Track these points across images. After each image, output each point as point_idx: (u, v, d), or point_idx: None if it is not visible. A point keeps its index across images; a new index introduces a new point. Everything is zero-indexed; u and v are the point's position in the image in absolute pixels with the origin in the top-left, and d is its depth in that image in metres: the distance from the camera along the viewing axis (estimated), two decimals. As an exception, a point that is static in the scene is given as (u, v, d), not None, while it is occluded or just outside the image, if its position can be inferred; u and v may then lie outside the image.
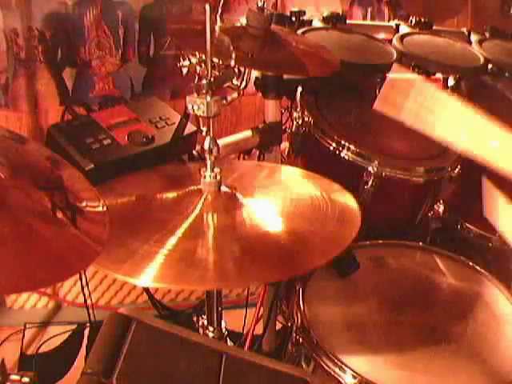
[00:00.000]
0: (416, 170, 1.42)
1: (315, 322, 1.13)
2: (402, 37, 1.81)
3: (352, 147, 1.38)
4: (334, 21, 1.85)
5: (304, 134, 1.48)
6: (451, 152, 1.50)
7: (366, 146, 1.41)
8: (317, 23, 1.85)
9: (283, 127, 1.61)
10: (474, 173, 1.57)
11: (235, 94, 1.11)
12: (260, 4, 1.36)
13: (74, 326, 2.13)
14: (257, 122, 1.57)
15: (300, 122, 1.48)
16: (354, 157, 1.39)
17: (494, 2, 2.44)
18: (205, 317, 1.22)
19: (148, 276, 0.87)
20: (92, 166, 1.16)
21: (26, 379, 0.79)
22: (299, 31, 1.73)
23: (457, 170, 1.46)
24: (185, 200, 1.06)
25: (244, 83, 1.16)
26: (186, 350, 0.83)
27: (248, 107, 2.30)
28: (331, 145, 1.41)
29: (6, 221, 0.68)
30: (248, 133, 1.51)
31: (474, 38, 1.94)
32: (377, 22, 2.48)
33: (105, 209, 0.84)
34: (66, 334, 2.11)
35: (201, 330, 1.23)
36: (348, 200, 1.13)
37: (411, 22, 1.95)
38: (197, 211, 1.02)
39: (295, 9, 1.85)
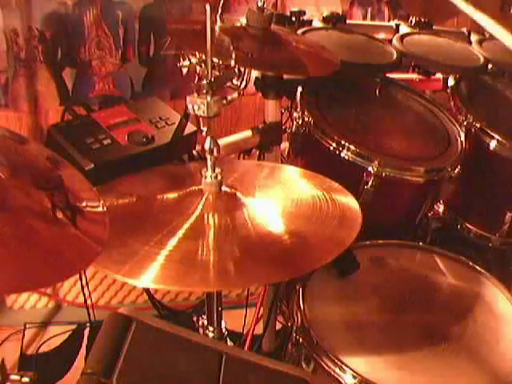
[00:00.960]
0: (416, 170, 1.42)
1: (315, 322, 1.13)
2: (402, 37, 1.81)
3: (352, 147, 1.38)
4: (334, 21, 1.85)
5: (304, 134, 1.48)
6: (451, 152, 1.50)
7: (366, 146, 1.41)
8: (317, 23, 1.85)
9: (283, 127, 1.62)
10: (474, 173, 1.58)
11: (235, 94, 1.11)
12: (260, 4, 1.36)
13: (74, 326, 2.13)
14: (257, 122, 1.57)
15: (300, 121, 1.48)
16: (354, 157, 1.39)
17: (493, 2, 2.44)
18: (205, 317, 1.22)
19: (148, 277, 0.87)
20: (92, 166, 1.16)
21: (25, 379, 0.79)
22: (299, 31, 1.73)
23: (457, 170, 1.46)
24: (186, 200, 1.06)
25: (244, 83, 1.16)
26: (186, 350, 0.83)
27: (248, 107, 2.30)
28: (331, 145, 1.41)
29: (5, 221, 0.68)
30: (248, 133, 1.51)
31: (473, 37, 1.94)
32: (377, 22, 2.48)
33: (105, 209, 0.84)
34: (66, 334, 2.11)
35: (201, 330, 1.23)
36: (349, 200, 1.13)
37: (411, 21, 1.95)
38: (198, 212, 1.02)
39: (295, 9, 1.85)
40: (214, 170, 1.06)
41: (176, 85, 2.29)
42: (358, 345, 1.10)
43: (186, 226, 0.98)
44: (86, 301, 1.65)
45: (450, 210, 1.70)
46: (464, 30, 2.01)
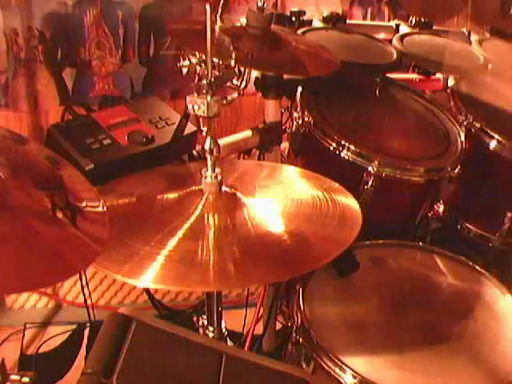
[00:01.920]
0: (416, 170, 1.42)
1: (315, 322, 1.13)
2: (402, 37, 1.81)
3: (352, 147, 1.38)
4: (334, 21, 1.85)
5: (304, 134, 1.48)
6: (451, 152, 1.50)
7: (366, 146, 1.41)
8: (317, 23, 1.85)
9: (283, 127, 1.62)
10: (474, 173, 1.58)
11: (235, 94, 1.11)
12: (260, 4, 1.36)
13: (74, 326, 2.13)
14: (257, 122, 1.57)
15: (300, 122, 1.48)
16: (354, 157, 1.39)
17: (493, 2, 2.44)
18: (205, 317, 1.22)
19: (148, 277, 0.87)
20: (92, 166, 1.16)
21: (25, 379, 0.79)
22: (299, 31, 1.73)
23: (457, 170, 1.46)
24: (186, 200, 1.06)
25: (244, 83, 1.16)
26: (186, 350, 0.83)
27: (248, 107, 2.30)
28: (331, 145, 1.41)
29: (5, 221, 0.68)
30: (248, 133, 1.51)
31: (473, 38, 1.94)
32: (377, 22, 2.48)
33: (105, 209, 0.84)
34: (66, 334, 2.11)
35: (201, 330, 1.23)
36: (349, 200, 1.13)
37: (411, 21, 1.96)
38: (198, 212, 1.02)
39: (295, 9, 1.85)
40: (214, 170, 1.06)
41: (176, 85, 2.29)
42: (358, 345, 1.10)
43: (186, 226, 0.98)
44: (85, 301, 1.65)
45: (450, 210, 1.70)
46: (464, 30, 2.01)
